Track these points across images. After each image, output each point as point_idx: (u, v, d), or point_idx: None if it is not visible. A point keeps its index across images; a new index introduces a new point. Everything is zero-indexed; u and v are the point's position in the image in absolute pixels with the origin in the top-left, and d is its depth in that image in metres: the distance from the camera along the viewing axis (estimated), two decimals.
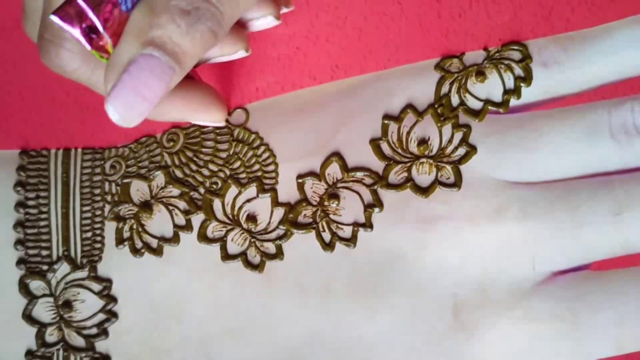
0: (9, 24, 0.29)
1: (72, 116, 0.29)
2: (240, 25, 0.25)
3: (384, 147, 0.28)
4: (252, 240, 0.28)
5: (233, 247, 0.28)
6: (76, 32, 0.20)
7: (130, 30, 0.20)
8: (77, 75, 0.22)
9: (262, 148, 0.28)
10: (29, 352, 0.28)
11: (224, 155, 0.28)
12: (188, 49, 0.20)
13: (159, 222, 0.28)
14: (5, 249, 0.28)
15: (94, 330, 0.28)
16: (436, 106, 0.28)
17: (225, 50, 0.24)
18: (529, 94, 0.28)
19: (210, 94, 0.25)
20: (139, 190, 0.28)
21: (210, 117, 0.25)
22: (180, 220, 0.28)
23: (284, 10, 0.26)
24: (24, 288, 0.28)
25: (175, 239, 0.28)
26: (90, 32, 0.20)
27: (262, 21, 0.25)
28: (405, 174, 0.28)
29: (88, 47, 0.20)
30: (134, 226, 0.28)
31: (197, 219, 0.28)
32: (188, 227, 0.28)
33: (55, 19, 0.19)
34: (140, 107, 0.20)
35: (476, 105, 0.28)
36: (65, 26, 0.19)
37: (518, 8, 0.29)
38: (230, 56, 0.25)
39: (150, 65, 0.20)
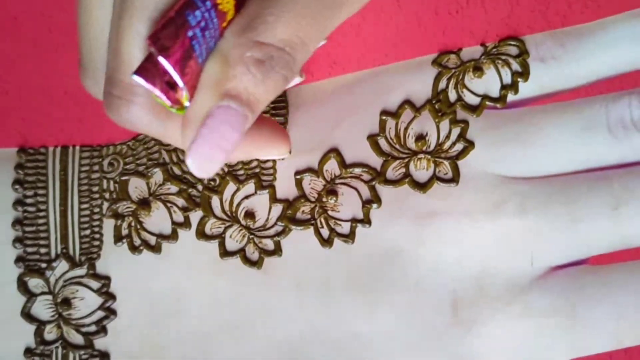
0: (7, 22, 0.29)
1: (70, 114, 0.29)
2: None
3: (382, 143, 0.28)
4: (251, 236, 0.28)
5: (231, 244, 0.28)
6: (157, 91, 0.19)
7: (206, 83, 0.20)
8: (148, 130, 0.22)
9: None
10: (27, 350, 0.28)
11: None
12: (262, 96, 0.20)
13: (157, 219, 0.28)
14: (3, 247, 0.28)
15: (93, 328, 0.28)
16: (434, 102, 0.28)
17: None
18: (526, 89, 0.28)
19: (273, 127, 0.25)
20: (137, 187, 0.28)
21: (275, 151, 0.25)
22: (179, 217, 0.28)
23: None
24: (22, 286, 0.28)
25: (173, 236, 0.28)
26: (168, 87, 0.20)
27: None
28: (403, 170, 0.28)
29: (168, 103, 0.20)
30: (132, 223, 0.28)
31: (196, 216, 0.28)
32: (186, 224, 0.28)
33: (138, 79, 0.19)
34: (219, 157, 0.20)
35: (474, 100, 0.28)
36: (148, 86, 0.19)
37: (515, 3, 0.29)
38: (288, 85, 0.24)
39: (228, 116, 0.20)
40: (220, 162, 0.20)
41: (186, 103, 0.20)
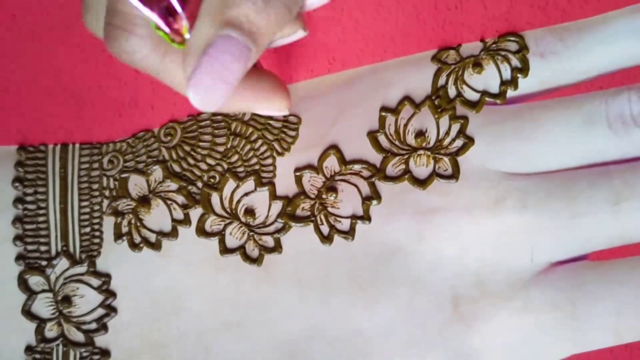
0: (6, 19, 0.29)
1: (70, 111, 0.29)
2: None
3: (382, 139, 0.28)
4: (251, 233, 0.28)
5: (231, 241, 0.28)
6: (154, 16, 0.19)
7: (206, 11, 0.19)
8: (146, 63, 0.21)
9: (260, 142, 0.28)
10: (28, 348, 0.28)
11: (221, 149, 0.29)
12: (264, 27, 0.19)
13: (157, 217, 0.28)
14: (4, 244, 0.28)
15: (94, 325, 0.28)
16: (433, 98, 0.28)
17: (286, 31, 0.23)
18: (526, 84, 0.28)
19: (275, 81, 0.24)
20: (137, 184, 0.28)
21: (274, 105, 0.24)
22: (179, 214, 0.28)
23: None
24: (23, 284, 0.28)
25: (173, 233, 0.28)
26: (167, 14, 0.19)
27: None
28: (403, 166, 0.28)
29: (167, 29, 0.19)
30: (133, 221, 0.28)
31: (196, 213, 0.28)
32: (186, 221, 0.28)
33: (135, 2, 0.19)
34: (221, 90, 0.19)
35: (473, 96, 0.28)
36: (144, 9, 0.19)
37: None
38: (290, 37, 0.24)
39: (230, 46, 0.19)
40: (222, 95, 0.20)
41: (187, 35, 0.20)
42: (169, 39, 0.20)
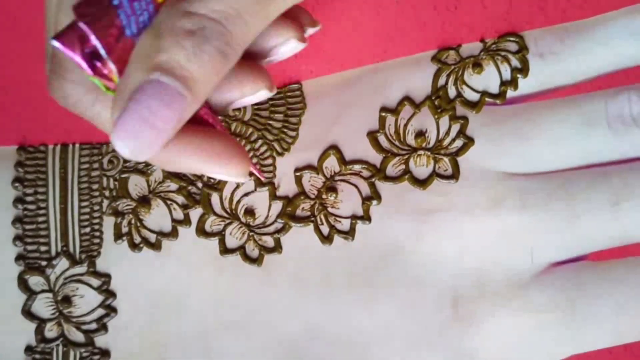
0: (6, 20, 0.29)
1: (70, 112, 0.29)
2: (262, 58, 0.23)
3: (382, 139, 0.28)
4: (251, 234, 0.28)
5: (231, 241, 0.28)
6: (77, 57, 0.18)
7: (137, 57, 0.19)
8: (79, 109, 0.21)
9: (260, 142, 0.28)
10: (28, 348, 0.28)
11: None
12: (197, 73, 0.19)
13: (157, 217, 0.28)
14: (4, 245, 0.28)
15: (94, 326, 0.28)
16: (433, 98, 0.28)
17: (246, 91, 0.22)
18: (525, 85, 0.28)
19: (231, 146, 0.22)
20: (137, 185, 0.28)
21: (227, 171, 0.22)
22: (179, 214, 0.28)
23: (310, 31, 0.24)
24: (23, 284, 0.28)
25: (173, 234, 0.28)
26: (93, 58, 0.19)
27: (285, 47, 0.23)
28: (403, 167, 0.28)
29: (89, 72, 0.19)
30: (132, 221, 0.28)
31: (196, 213, 0.28)
32: (186, 221, 0.28)
33: (55, 43, 0.18)
34: (149, 136, 0.18)
35: (473, 96, 0.28)
36: (66, 51, 0.18)
37: None
38: (252, 97, 0.23)
39: (158, 91, 0.18)
40: (152, 143, 0.18)
41: (118, 81, 0.19)
42: (102, 86, 0.19)
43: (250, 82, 0.22)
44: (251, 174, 0.26)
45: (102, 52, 0.18)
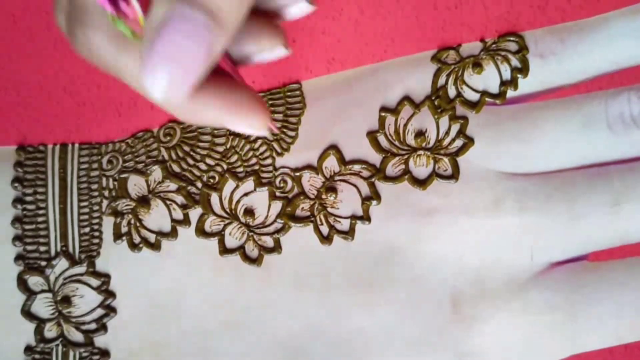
0: (5, 19, 0.29)
1: (69, 112, 0.29)
2: (275, 19, 0.23)
3: (381, 139, 0.28)
4: (250, 234, 0.28)
5: (231, 241, 0.28)
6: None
7: None
8: (103, 58, 0.20)
9: (259, 142, 0.28)
10: (28, 348, 0.28)
11: (221, 149, 0.28)
12: (224, 5, 0.18)
13: (157, 217, 0.28)
14: (3, 245, 0.28)
15: (93, 326, 0.28)
16: (433, 98, 0.28)
17: (263, 45, 0.22)
18: (525, 85, 0.28)
19: (252, 98, 0.22)
20: (136, 185, 0.28)
21: (251, 122, 0.21)
22: (178, 214, 0.28)
23: None
24: (22, 284, 0.28)
25: (173, 234, 0.28)
26: (119, 1, 0.18)
27: (296, 8, 0.22)
28: (403, 167, 0.28)
29: (112, 12, 0.18)
30: (132, 221, 0.28)
31: (195, 213, 0.28)
32: (186, 221, 0.28)
33: None
34: (179, 76, 0.17)
35: (473, 96, 0.28)
36: None
37: None
38: (270, 53, 0.22)
39: (183, 24, 0.17)
40: (184, 83, 0.18)
41: (144, 23, 0.18)
42: (128, 32, 0.18)
43: (267, 37, 0.22)
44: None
45: None
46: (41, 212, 0.28)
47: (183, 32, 0.17)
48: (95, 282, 0.28)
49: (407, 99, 0.28)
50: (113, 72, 0.20)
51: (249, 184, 0.28)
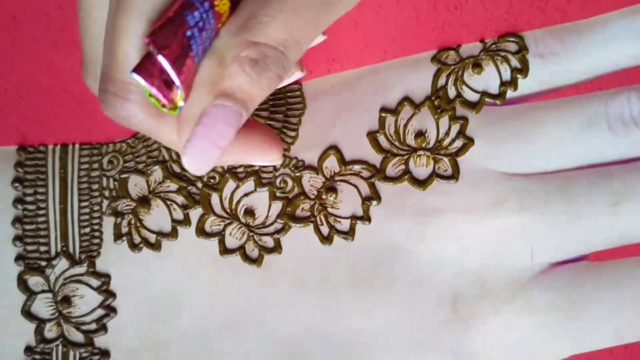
0: (6, 20, 0.29)
1: (70, 112, 0.29)
2: None
3: (382, 140, 0.28)
4: (250, 234, 0.28)
5: (231, 241, 0.28)
6: (154, 90, 0.20)
7: (202, 82, 0.20)
8: (142, 127, 0.22)
9: None
10: (28, 348, 0.28)
11: None
12: (256, 95, 0.20)
13: (157, 217, 0.28)
14: (3, 245, 0.28)
15: (93, 326, 0.28)
16: (433, 98, 0.28)
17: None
18: (525, 85, 0.28)
19: (266, 133, 0.25)
20: (136, 185, 0.28)
21: (267, 157, 0.25)
22: (179, 214, 0.28)
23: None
24: (22, 284, 0.28)
25: (173, 234, 0.28)
26: (165, 86, 0.20)
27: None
28: (403, 167, 0.28)
29: (164, 102, 0.20)
30: (132, 221, 0.28)
31: (195, 213, 0.28)
32: (186, 221, 0.28)
33: (137, 77, 0.19)
34: (214, 154, 0.20)
35: (473, 97, 0.28)
36: (146, 84, 0.19)
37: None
38: (287, 80, 0.26)
39: (223, 114, 0.20)
40: (215, 159, 0.20)
41: (180, 103, 0.20)
42: (158, 104, 0.20)
43: None
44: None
45: (177, 82, 0.20)
46: (41, 212, 0.28)
47: (221, 121, 0.20)
48: (95, 282, 0.28)
49: (407, 99, 0.28)
50: (150, 135, 0.22)
51: (249, 184, 0.28)
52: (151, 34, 0.19)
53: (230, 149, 0.22)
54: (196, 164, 0.20)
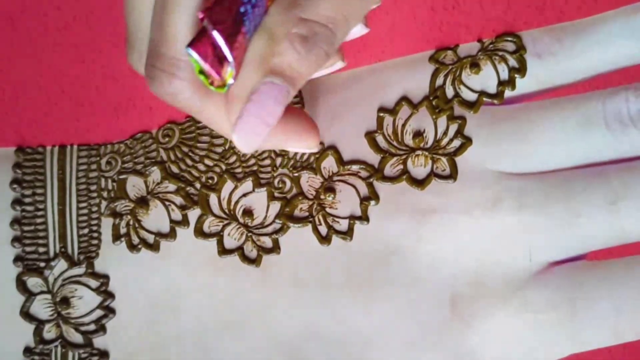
0: (4, 21, 0.29)
1: (68, 113, 0.29)
2: None
3: (380, 139, 0.28)
4: (249, 234, 0.28)
5: (230, 242, 0.28)
6: (207, 66, 0.20)
7: (252, 59, 0.20)
8: (188, 104, 0.22)
9: None
10: (27, 349, 0.28)
11: (219, 150, 0.29)
12: (304, 72, 0.20)
13: (156, 218, 0.28)
14: (2, 246, 0.28)
15: (92, 327, 0.28)
16: (431, 98, 0.28)
17: (326, 65, 0.25)
18: (523, 85, 0.28)
19: (304, 120, 0.25)
20: (135, 186, 0.28)
21: (305, 143, 0.25)
22: (177, 215, 0.28)
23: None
24: (21, 285, 0.28)
25: (171, 235, 0.28)
26: (217, 62, 0.20)
27: (355, 30, 0.25)
28: (401, 167, 0.28)
29: (217, 77, 0.20)
30: (131, 222, 0.28)
31: (194, 214, 0.28)
32: (184, 222, 0.28)
33: (192, 52, 0.19)
34: (264, 132, 0.20)
35: (471, 96, 0.28)
36: (200, 60, 0.19)
37: None
38: (329, 69, 0.26)
39: (272, 91, 0.20)
40: (264, 136, 0.20)
41: (230, 80, 0.20)
42: (207, 83, 0.20)
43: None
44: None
45: (230, 58, 0.20)
46: (40, 213, 0.28)
47: (271, 98, 0.20)
48: (94, 283, 0.28)
49: (405, 99, 0.28)
50: (194, 115, 0.22)
51: (247, 185, 0.28)
52: (206, 9, 0.19)
53: (273, 134, 0.22)
54: (246, 141, 0.20)
